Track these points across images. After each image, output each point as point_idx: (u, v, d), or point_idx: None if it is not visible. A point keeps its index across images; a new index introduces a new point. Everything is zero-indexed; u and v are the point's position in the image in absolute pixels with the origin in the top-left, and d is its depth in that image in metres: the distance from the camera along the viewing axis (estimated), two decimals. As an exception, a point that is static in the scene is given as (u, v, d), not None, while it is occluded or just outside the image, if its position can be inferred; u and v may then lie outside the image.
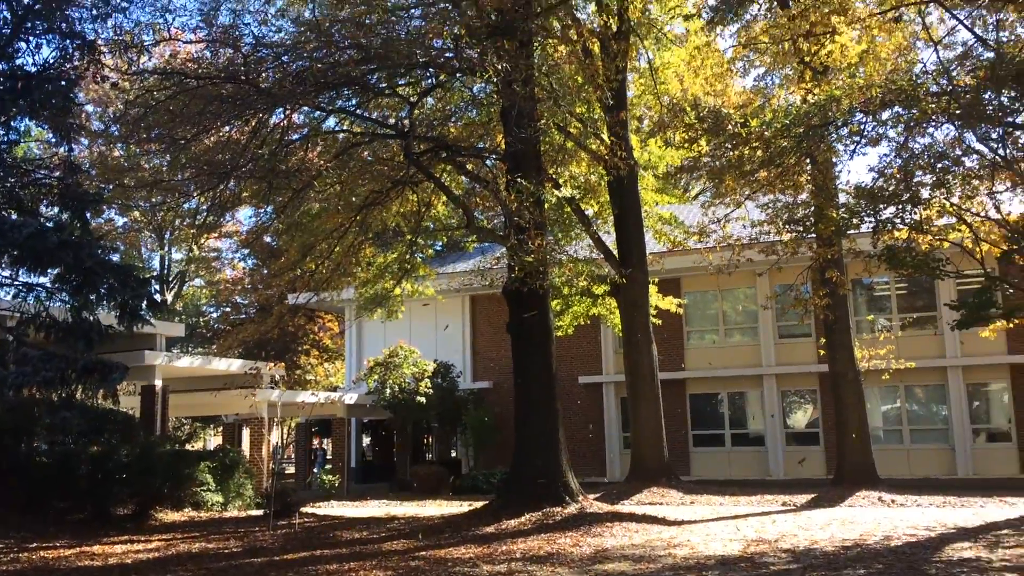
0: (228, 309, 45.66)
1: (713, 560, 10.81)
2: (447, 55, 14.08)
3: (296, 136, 16.34)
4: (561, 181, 19.65)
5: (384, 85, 15.34)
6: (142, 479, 16.93)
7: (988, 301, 14.34)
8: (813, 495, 19.31)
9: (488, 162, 18.58)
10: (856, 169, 74.36)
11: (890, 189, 12.98)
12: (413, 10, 14.36)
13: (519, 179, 14.47)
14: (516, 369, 17.34)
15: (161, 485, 17.42)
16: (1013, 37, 14.29)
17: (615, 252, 22.23)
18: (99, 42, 14.31)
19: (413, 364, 26.53)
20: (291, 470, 36.54)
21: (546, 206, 18.27)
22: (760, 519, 15.63)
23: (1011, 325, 15.73)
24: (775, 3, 18.81)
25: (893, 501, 18.08)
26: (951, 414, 24.54)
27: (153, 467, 17.04)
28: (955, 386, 24.55)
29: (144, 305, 15.46)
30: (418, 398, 25.58)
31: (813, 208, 15.61)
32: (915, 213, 13.54)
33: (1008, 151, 12.88)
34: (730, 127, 13.82)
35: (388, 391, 25.88)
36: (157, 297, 17.71)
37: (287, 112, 15.28)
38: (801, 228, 16.09)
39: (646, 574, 9.92)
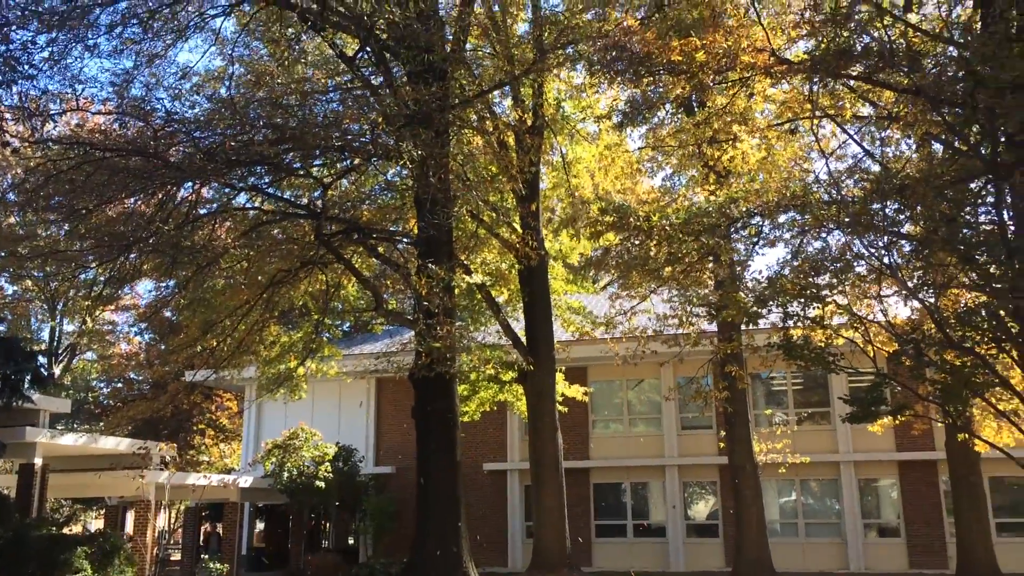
0: (120, 385, 43.80)
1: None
2: (363, 140, 14.25)
3: (204, 211, 16.11)
4: (472, 267, 19.88)
5: (298, 165, 15.37)
6: (14, 565, 15.81)
7: (878, 397, 14.98)
8: (712, 588, 19.40)
9: (400, 246, 18.67)
10: (757, 268, 77.45)
11: (800, 282, 13.59)
12: (331, 94, 14.54)
13: (430, 264, 14.59)
14: (420, 455, 17.10)
15: (34, 571, 16.30)
16: (897, 153, 15.41)
17: (523, 339, 22.41)
18: (2, 107, 13.95)
19: (314, 447, 25.89)
20: (176, 556, 34.66)
21: (456, 292, 18.40)
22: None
23: (898, 422, 16.45)
24: (681, 109, 19.80)
25: (789, 595, 18.32)
26: (844, 508, 25.22)
27: (26, 552, 15.96)
28: (847, 481, 25.32)
29: (28, 380, 14.73)
30: (317, 482, 24.86)
31: (721, 294, 16.17)
32: (815, 308, 14.18)
33: (892, 259, 13.72)
34: (633, 221, 14.31)
35: (286, 474, 25.08)
36: (44, 371, 16.91)
37: (196, 187, 15.10)
38: (708, 311, 16.57)
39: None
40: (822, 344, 13.92)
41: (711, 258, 17.31)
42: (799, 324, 13.86)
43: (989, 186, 11.66)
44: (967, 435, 16.45)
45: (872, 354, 13.89)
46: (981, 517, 19.92)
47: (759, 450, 22.11)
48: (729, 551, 24.46)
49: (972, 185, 11.86)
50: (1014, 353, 11.25)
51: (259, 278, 16.83)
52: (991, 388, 12.01)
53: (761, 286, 14.46)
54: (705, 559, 25.69)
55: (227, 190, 16.24)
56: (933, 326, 12.09)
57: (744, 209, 13.65)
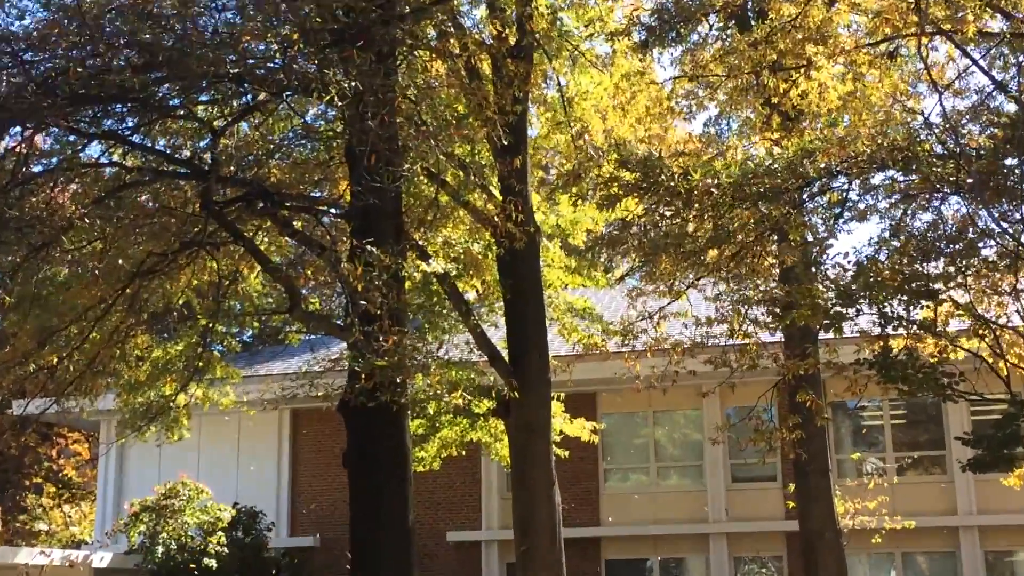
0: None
1: None
2: (271, 65, 14.13)
3: (39, 167, 15.94)
4: (431, 250, 19.80)
5: (177, 102, 15.23)
6: None
7: (1015, 435, 15.04)
8: None
9: (325, 220, 18.56)
10: (840, 250, 77.93)
11: (902, 271, 13.60)
12: (225, 0, 14.42)
13: (369, 246, 14.50)
14: (355, 520, 17.04)
15: None
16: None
17: (505, 354, 22.35)
18: None
19: (201, 509, 25.84)
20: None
21: (408, 286, 18.32)
22: None
23: (1043, 471, 16.53)
24: (731, 23, 19.79)
25: None
26: (965, 595, 25.41)
27: None
28: (970, 555, 25.51)
29: None
30: (206, 560, 24.79)
31: (788, 288, 16.18)
32: (924, 308, 14.24)
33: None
34: (663, 180, 14.25)
35: (160, 549, 25.02)
36: None
37: (27, 133, 14.94)
38: (773, 311, 16.60)
39: None
40: (934, 360, 13.99)
41: (775, 236, 17.34)
42: (901, 331, 13.90)
43: None
44: None
45: (1006, 373, 13.98)
46: None
47: (844, 511, 22.19)
48: (800, 656, 24.59)
49: None
50: None
51: (120, 265, 16.68)
52: None
53: (847, 275, 14.50)
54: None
55: (72, 138, 16.08)
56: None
57: (823, 166, 13.64)
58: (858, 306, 14.19)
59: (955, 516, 25.52)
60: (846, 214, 15.08)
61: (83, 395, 18.92)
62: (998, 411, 15.02)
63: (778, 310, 16.22)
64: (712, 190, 14.35)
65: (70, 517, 42.80)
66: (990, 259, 13.86)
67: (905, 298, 13.66)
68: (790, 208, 14.79)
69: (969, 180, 12.30)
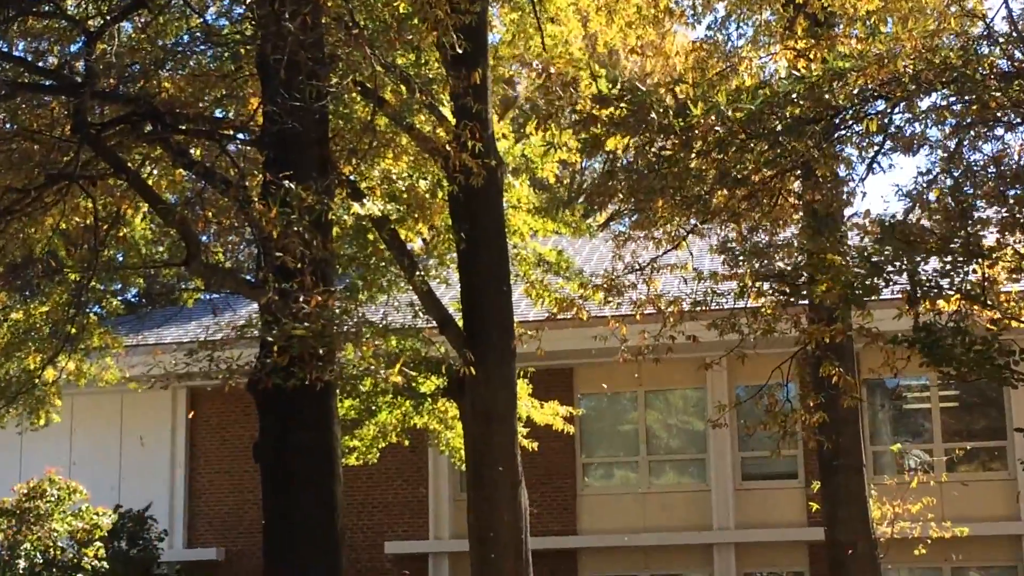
0: None
1: None
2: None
3: None
4: (365, 188, 19.85)
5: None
6: None
7: (1089, 425, 15.38)
8: None
9: (232, 148, 18.55)
10: (874, 191, 78.28)
11: (946, 224, 13.73)
12: None
13: (287, 181, 14.54)
14: (269, 527, 17.22)
15: None
16: None
17: (458, 319, 22.48)
18: None
19: (74, 514, 25.86)
20: None
21: (336, 232, 18.38)
22: None
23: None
24: None
25: None
26: (1028, 618, 25.94)
27: None
28: (1035, 568, 26.00)
29: None
30: (80, 577, 24.92)
31: (808, 241, 16.33)
32: (975, 269, 14.39)
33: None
34: (656, 116, 14.35)
35: (23, 564, 25.08)
36: None
37: None
38: (786, 289, 16.78)
39: None
40: (990, 334, 14.17)
41: (798, 172, 17.49)
42: (948, 295, 14.08)
43: None
44: None
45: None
46: None
47: (880, 516, 22.54)
48: None
49: None
50: None
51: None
52: None
53: (879, 233, 14.57)
54: None
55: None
56: None
57: (856, 89, 13.74)
58: (886, 275, 14.31)
59: (1018, 522, 25.94)
60: (887, 143, 15.16)
61: (-75, 369, 18.95)
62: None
63: (788, 288, 16.37)
64: (717, 128, 14.44)
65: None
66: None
67: (949, 258, 13.76)
68: (817, 143, 14.90)
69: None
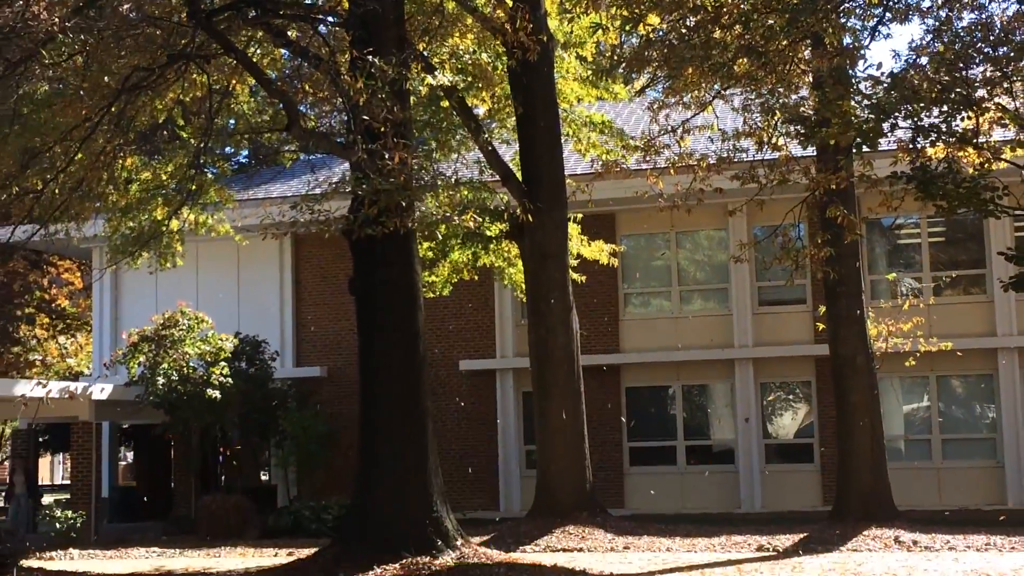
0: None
1: (654, 635, 11.25)
2: None
3: (13, -25, 15.71)
4: (436, 62, 19.61)
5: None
6: None
7: (1058, 251, 15.14)
8: (803, 535, 20.20)
9: (323, 29, 18.33)
10: (878, 59, 76.73)
11: (940, 80, 13.44)
12: None
13: (370, 56, 14.37)
14: (363, 349, 17.39)
15: None
16: None
17: (518, 173, 22.37)
18: None
19: (202, 339, 26.24)
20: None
21: (413, 100, 18.21)
22: (725, 570, 16.29)
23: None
24: None
25: (916, 543, 19.09)
26: (1002, 417, 25.90)
27: None
28: (1009, 377, 25.87)
29: None
30: (209, 391, 25.34)
31: (820, 98, 16.05)
32: (966, 117, 14.10)
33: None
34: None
35: (161, 380, 25.53)
36: None
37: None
38: (806, 129, 16.52)
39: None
40: (975, 173, 13.94)
41: (809, 43, 17.11)
42: (940, 142, 13.83)
43: None
44: None
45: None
46: None
47: (876, 333, 22.47)
48: (829, 483, 25.27)
49: None
50: None
51: (104, 81, 16.58)
52: None
53: (882, 87, 14.32)
54: (793, 494, 26.57)
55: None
56: None
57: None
58: (893, 119, 14.07)
59: (995, 338, 25.78)
60: (886, 15, 14.79)
61: (71, 220, 19.02)
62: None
63: (807, 130, 16.10)
64: (741, 5, 14.15)
65: (66, 348, 43.45)
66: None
67: (945, 108, 13.53)
68: (825, 14, 14.58)
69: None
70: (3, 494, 35.78)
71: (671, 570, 16.51)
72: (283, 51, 18.76)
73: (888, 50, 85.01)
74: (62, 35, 15.70)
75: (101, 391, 26.19)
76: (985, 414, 26.72)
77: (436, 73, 17.68)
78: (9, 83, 16.17)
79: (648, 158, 20.09)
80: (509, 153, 23.98)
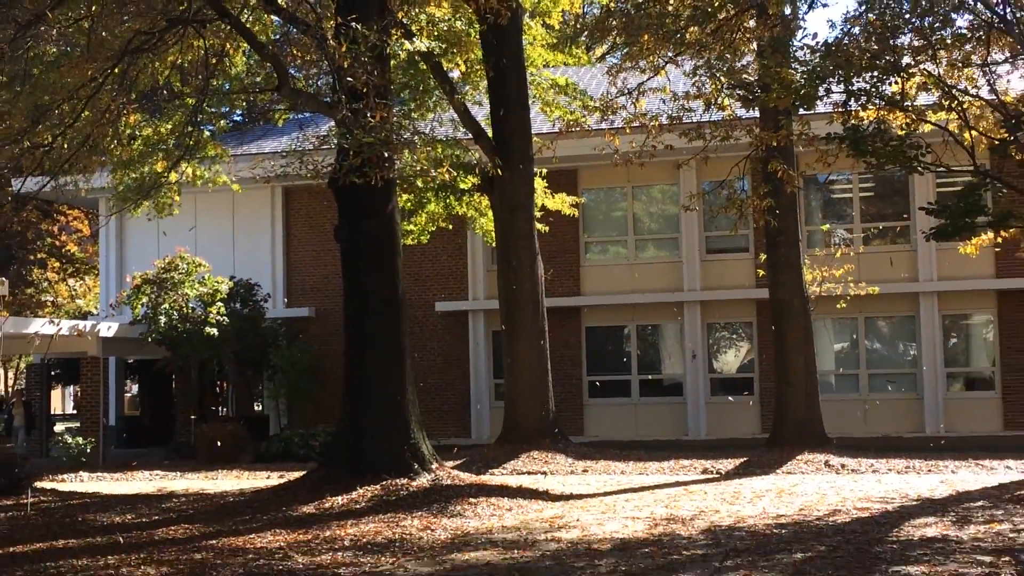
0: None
1: (609, 544, 11.38)
2: None
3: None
4: (414, 28, 19.45)
5: None
6: None
7: (976, 205, 15.20)
8: (743, 459, 20.45)
9: (309, -4, 18.13)
10: (815, 29, 76.69)
11: (871, 48, 13.46)
12: None
13: (353, 23, 14.24)
14: (348, 291, 17.37)
15: None
16: None
17: (489, 131, 22.29)
18: None
19: (199, 282, 26.24)
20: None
21: (393, 63, 18.08)
22: (673, 491, 16.45)
23: (1000, 238, 16.80)
24: None
25: (844, 466, 19.35)
26: (922, 354, 26.22)
27: None
28: (928, 318, 26.18)
29: None
30: (207, 329, 25.32)
31: (763, 66, 16.06)
32: (894, 83, 14.14)
33: (1011, 10, 13.57)
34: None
35: (163, 319, 25.51)
36: None
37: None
38: (749, 93, 16.55)
39: (522, 564, 10.34)
40: (902, 132, 14.02)
41: (753, 12, 17.07)
42: (870, 105, 13.88)
43: None
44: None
45: (970, 143, 14.06)
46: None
47: (811, 279, 22.62)
48: (767, 413, 25.54)
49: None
50: None
51: (108, 43, 16.34)
52: None
53: (818, 55, 14.35)
54: (734, 423, 26.84)
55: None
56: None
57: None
58: (828, 84, 14.12)
59: (916, 283, 26.01)
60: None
61: (78, 172, 18.85)
62: (962, 182, 15.19)
63: (750, 95, 16.13)
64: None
65: (75, 290, 43.24)
66: (962, 31, 13.72)
67: (875, 74, 13.58)
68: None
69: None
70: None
71: (625, 491, 16.65)
72: (274, 17, 18.50)
73: (824, 20, 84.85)
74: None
75: (108, 329, 26.13)
76: (907, 351, 27.03)
77: (414, 39, 17.56)
78: (20, 44, 15.93)
79: (607, 118, 20.07)
80: (481, 113, 23.86)
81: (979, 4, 12.51)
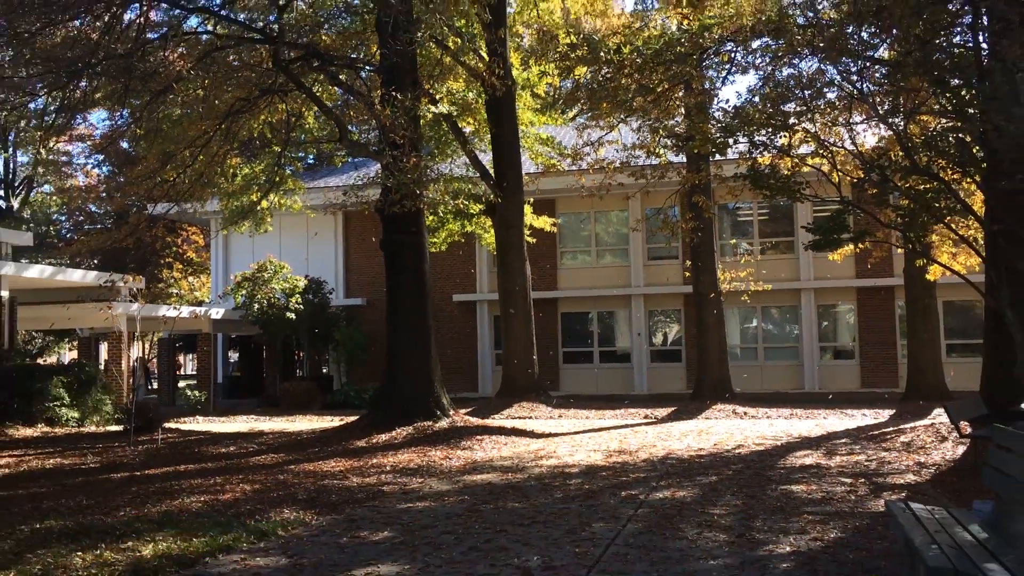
0: (81, 218, 43.29)
1: (578, 469, 11.38)
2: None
3: (154, 35, 15.40)
4: (438, 97, 19.43)
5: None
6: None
7: (841, 224, 15.22)
8: (673, 408, 20.43)
9: (362, 74, 18.11)
10: (727, 96, 76.57)
11: (767, 111, 13.46)
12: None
13: (394, 92, 14.24)
14: (389, 287, 17.36)
15: (10, 400, 16.72)
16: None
17: (491, 171, 22.28)
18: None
19: (283, 279, 26.20)
20: (154, 385, 35.55)
21: (422, 122, 18.06)
22: (623, 431, 16.45)
23: (859, 249, 16.81)
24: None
25: (746, 413, 19.37)
26: (802, 333, 26.24)
27: (1, 381, 16.30)
28: (807, 307, 26.20)
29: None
30: (288, 314, 25.29)
31: (688, 124, 16.05)
32: (783, 137, 14.13)
33: (865, 85, 13.57)
34: (603, 55, 13.94)
35: (256, 306, 25.47)
36: (1, 204, 16.67)
37: (143, 8, 14.36)
38: (678, 142, 16.54)
39: (514, 483, 10.34)
40: (788, 173, 13.99)
41: (682, 87, 17.07)
42: (766, 153, 13.87)
43: (966, 7, 11.42)
44: (925, 260, 16.95)
45: (837, 180, 14.03)
46: (933, 338, 20.79)
47: (723, 279, 22.65)
48: (691, 374, 25.55)
49: (950, 6, 11.60)
50: (977, 178, 11.41)
51: (216, 106, 16.34)
52: (952, 214, 12.25)
53: (729, 116, 14.33)
54: (668, 382, 26.85)
55: (176, 12, 15.49)
56: (900, 153, 12.16)
57: (717, 36, 13.29)
58: (736, 137, 14.08)
59: (799, 282, 26.04)
60: (733, 69, 14.77)
61: (195, 200, 18.88)
62: (831, 209, 15.16)
63: (680, 143, 16.11)
64: (637, 60, 14.10)
65: (193, 285, 43.16)
66: (832, 101, 13.69)
67: (769, 130, 13.56)
68: (692, 68, 14.57)
69: (822, 44, 12.04)
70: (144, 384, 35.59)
71: (589, 431, 16.66)
72: (336, 89, 18.51)
73: (734, 91, 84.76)
74: (188, 75, 15.46)
75: (216, 313, 26.08)
76: (792, 331, 27.03)
77: (438, 104, 17.54)
78: (153, 107, 15.94)
79: (576, 163, 20.08)
80: (486, 158, 23.84)
81: (844, 82, 12.51)
